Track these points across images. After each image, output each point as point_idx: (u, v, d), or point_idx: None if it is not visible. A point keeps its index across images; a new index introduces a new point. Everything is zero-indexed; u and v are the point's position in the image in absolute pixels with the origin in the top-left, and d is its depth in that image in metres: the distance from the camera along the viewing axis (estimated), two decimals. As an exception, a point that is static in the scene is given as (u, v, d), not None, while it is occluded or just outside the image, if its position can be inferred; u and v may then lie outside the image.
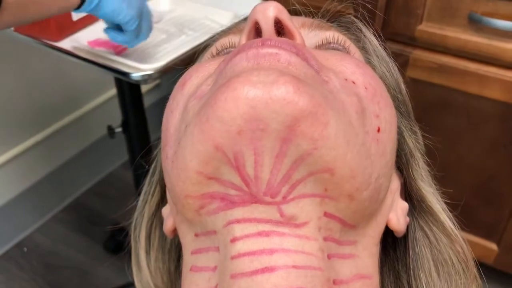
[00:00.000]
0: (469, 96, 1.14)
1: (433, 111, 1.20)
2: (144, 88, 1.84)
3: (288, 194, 0.28)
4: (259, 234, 0.29)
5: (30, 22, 0.71)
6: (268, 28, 0.32)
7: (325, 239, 0.30)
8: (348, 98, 0.30)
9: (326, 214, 0.29)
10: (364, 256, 0.32)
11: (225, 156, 0.27)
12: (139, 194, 0.44)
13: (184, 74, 0.34)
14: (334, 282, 0.30)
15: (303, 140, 0.26)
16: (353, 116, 0.29)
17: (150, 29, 0.90)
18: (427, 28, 1.12)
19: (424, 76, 1.17)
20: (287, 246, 0.29)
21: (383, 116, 0.31)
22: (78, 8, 0.73)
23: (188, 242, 0.34)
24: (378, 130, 0.31)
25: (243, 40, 0.33)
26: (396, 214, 0.35)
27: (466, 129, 1.19)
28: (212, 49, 0.41)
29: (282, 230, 0.29)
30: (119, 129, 1.26)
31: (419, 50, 1.15)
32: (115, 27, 0.84)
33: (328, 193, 0.28)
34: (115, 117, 1.35)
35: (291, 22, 0.32)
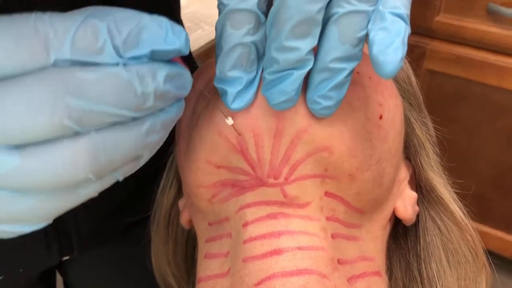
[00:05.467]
0: (487, 88, 1.13)
1: (450, 103, 1.19)
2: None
3: (290, 175, 0.30)
4: (268, 216, 0.30)
5: None
6: None
7: (328, 218, 0.31)
8: (350, 87, 0.30)
9: (327, 194, 0.31)
10: (368, 239, 0.33)
11: (227, 141, 0.29)
12: (157, 188, 0.46)
13: (197, 69, 0.36)
14: (339, 261, 0.31)
15: (298, 116, 0.28)
16: (354, 101, 0.30)
17: None
18: (444, 19, 1.11)
19: (441, 68, 1.16)
20: (291, 228, 0.30)
21: (387, 106, 0.32)
22: None
23: (202, 231, 0.35)
24: (381, 117, 0.32)
25: None
26: (404, 203, 0.36)
27: (484, 121, 1.18)
28: None
29: (287, 211, 0.30)
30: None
31: (436, 42, 1.14)
32: None
33: (328, 172, 0.30)
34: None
35: None
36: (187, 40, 0.23)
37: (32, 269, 0.52)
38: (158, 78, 0.22)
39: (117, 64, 0.21)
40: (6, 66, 0.20)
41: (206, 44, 0.98)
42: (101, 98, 0.20)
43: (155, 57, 0.22)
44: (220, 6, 0.25)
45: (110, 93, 0.20)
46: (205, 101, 0.31)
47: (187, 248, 0.45)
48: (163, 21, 0.22)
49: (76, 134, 0.21)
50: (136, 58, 0.21)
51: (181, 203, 0.41)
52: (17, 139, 0.20)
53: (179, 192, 0.45)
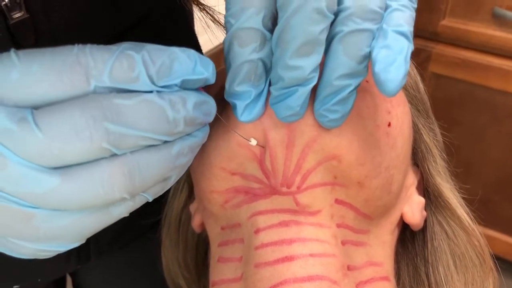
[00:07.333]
0: (492, 91, 1.13)
1: (456, 106, 1.19)
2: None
3: (302, 184, 0.30)
4: (280, 224, 0.31)
5: None
6: None
7: (338, 225, 0.32)
8: (359, 95, 0.31)
9: (337, 201, 0.31)
10: (375, 244, 0.34)
11: (249, 151, 0.30)
12: (167, 192, 0.46)
13: None
14: (348, 268, 0.32)
15: (307, 127, 0.29)
16: (363, 110, 0.31)
17: None
18: (450, 23, 1.11)
19: (447, 72, 1.16)
20: (303, 235, 0.31)
21: (395, 113, 0.33)
22: None
23: (215, 235, 0.36)
24: (389, 125, 0.32)
25: None
26: (411, 208, 0.37)
27: (489, 125, 1.19)
28: None
29: (299, 219, 0.31)
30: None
31: (442, 45, 1.15)
32: None
33: (338, 180, 0.31)
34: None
35: None
36: (213, 70, 0.25)
37: (49, 278, 0.53)
38: (188, 105, 0.24)
39: (151, 92, 0.23)
40: (51, 92, 0.22)
41: (214, 48, 0.98)
42: (137, 123, 0.22)
43: (184, 85, 0.24)
44: (227, 24, 0.27)
45: (145, 118, 0.22)
46: (219, 108, 0.32)
47: (198, 251, 0.46)
48: (192, 52, 0.24)
49: (112, 156, 0.22)
50: (167, 87, 0.23)
51: (192, 207, 0.42)
52: (58, 160, 0.21)
53: (190, 196, 0.45)
